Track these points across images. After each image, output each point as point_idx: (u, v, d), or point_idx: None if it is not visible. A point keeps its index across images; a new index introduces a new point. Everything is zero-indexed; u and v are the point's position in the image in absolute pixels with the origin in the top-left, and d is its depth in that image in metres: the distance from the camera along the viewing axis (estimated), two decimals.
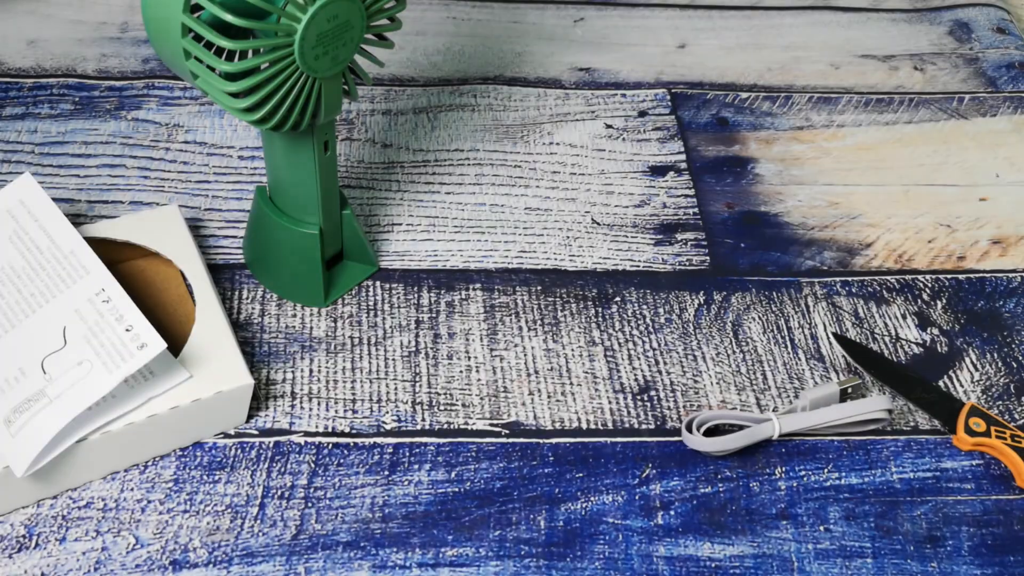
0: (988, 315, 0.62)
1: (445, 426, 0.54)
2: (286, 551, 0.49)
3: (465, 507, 0.51)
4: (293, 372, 0.56)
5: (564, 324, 0.59)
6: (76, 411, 0.46)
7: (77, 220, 0.62)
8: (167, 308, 0.56)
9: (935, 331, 0.61)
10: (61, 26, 0.75)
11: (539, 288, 0.61)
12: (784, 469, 0.54)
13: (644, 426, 0.55)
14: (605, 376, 0.57)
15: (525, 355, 0.58)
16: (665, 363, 0.58)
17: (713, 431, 0.54)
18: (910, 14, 0.85)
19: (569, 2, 0.83)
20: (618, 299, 0.61)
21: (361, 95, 0.72)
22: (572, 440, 0.54)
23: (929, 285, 0.64)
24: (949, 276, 0.64)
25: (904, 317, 0.62)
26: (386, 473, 0.52)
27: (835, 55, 0.80)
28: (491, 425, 0.55)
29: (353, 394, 0.55)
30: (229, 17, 0.42)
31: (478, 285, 0.61)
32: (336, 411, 0.54)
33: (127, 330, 0.49)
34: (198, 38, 0.44)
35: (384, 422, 0.54)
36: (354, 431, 0.54)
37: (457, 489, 0.52)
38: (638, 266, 0.63)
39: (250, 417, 0.54)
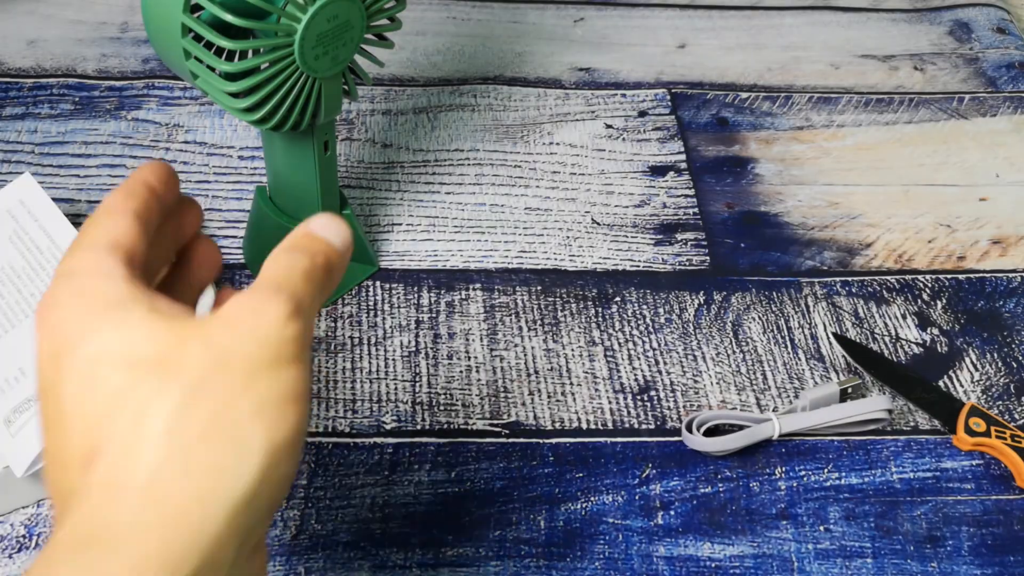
0: (988, 315, 0.62)
1: (445, 426, 0.54)
2: (286, 551, 0.49)
3: (465, 507, 0.51)
4: None
5: (564, 324, 0.59)
6: None
7: (77, 220, 0.62)
8: None
9: (935, 331, 0.61)
10: (61, 26, 0.75)
11: (539, 288, 0.61)
12: (784, 469, 0.54)
13: (644, 426, 0.55)
14: (605, 376, 0.57)
15: (525, 355, 0.58)
16: (665, 363, 0.58)
17: (713, 431, 0.54)
18: (910, 14, 0.85)
19: (569, 2, 0.83)
20: (618, 299, 0.61)
21: (361, 95, 0.72)
22: (572, 440, 0.54)
23: (929, 285, 0.64)
24: (949, 276, 0.64)
25: (904, 317, 0.62)
26: (386, 473, 0.52)
27: (835, 55, 0.80)
28: (491, 425, 0.55)
29: (353, 394, 0.55)
30: (229, 17, 0.42)
31: (478, 285, 0.61)
32: (336, 411, 0.54)
33: None
34: (198, 38, 0.44)
35: (384, 422, 0.54)
36: (354, 431, 0.54)
37: (457, 489, 0.52)
38: (638, 266, 0.63)
39: None
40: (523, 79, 0.75)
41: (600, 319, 0.60)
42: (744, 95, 0.76)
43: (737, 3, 0.84)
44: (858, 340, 0.60)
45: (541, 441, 0.54)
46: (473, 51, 0.77)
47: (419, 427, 0.54)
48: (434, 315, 0.59)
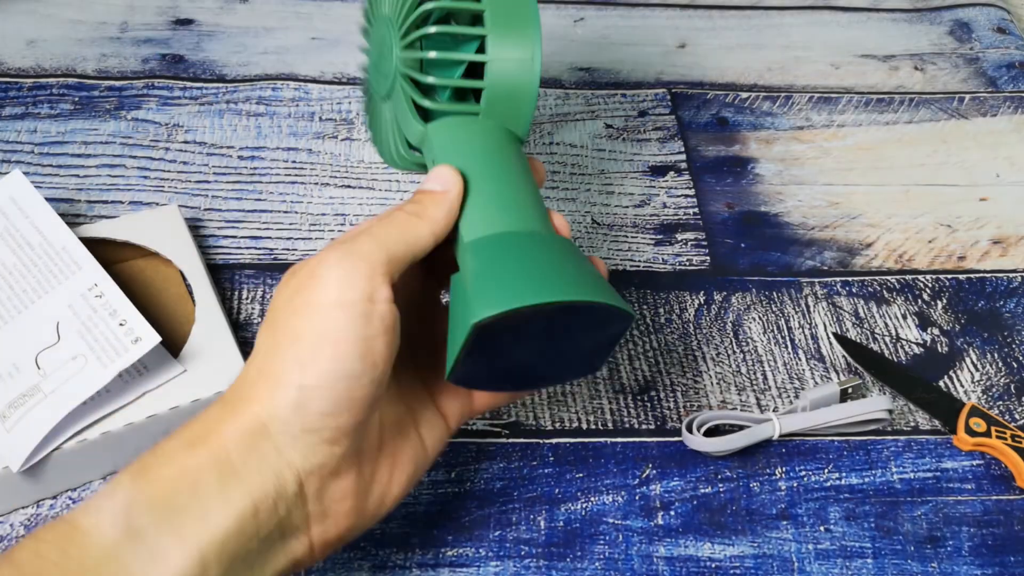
0: (988, 315, 0.62)
1: None
2: None
3: (465, 507, 0.51)
4: None
5: None
6: (71, 406, 0.46)
7: (77, 220, 0.62)
8: (167, 308, 0.56)
9: (935, 331, 0.61)
10: (61, 26, 0.75)
11: None
12: (784, 469, 0.54)
13: (644, 426, 0.55)
14: (605, 376, 0.57)
15: None
16: (665, 363, 0.58)
17: (713, 431, 0.54)
18: (910, 14, 0.85)
19: (569, 2, 0.83)
20: None
21: (360, 95, 0.72)
22: (572, 440, 0.54)
23: (929, 285, 0.63)
24: (949, 276, 0.64)
25: (904, 317, 0.62)
26: None
27: (835, 55, 0.80)
28: (491, 425, 0.55)
29: None
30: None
31: None
32: None
33: (121, 324, 0.49)
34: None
35: None
36: None
37: (457, 489, 0.52)
38: (638, 266, 0.63)
39: None
40: None
41: None
42: (744, 95, 0.76)
43: (737, 3, 0.84)
44: (858, 340, 0.60)
45: (541, 441, 0.54)
46: None
47: None
48: None
